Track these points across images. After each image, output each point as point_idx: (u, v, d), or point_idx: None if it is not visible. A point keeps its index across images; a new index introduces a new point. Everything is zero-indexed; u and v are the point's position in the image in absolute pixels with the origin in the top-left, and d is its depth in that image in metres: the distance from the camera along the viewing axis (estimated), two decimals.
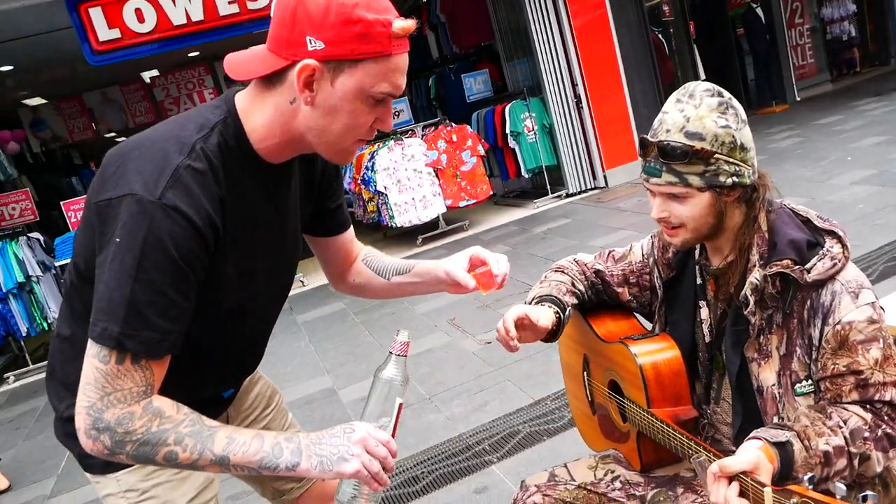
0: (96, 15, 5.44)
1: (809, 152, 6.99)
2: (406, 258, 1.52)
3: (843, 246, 1.23)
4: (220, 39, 6.12)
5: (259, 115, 1.10)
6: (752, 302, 1.25)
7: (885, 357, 1.17)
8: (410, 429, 3.26)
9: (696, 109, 1.22)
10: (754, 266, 1.26)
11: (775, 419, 1.25)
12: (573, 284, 1.59)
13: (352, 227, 1.52)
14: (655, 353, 1.43)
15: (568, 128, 7.64)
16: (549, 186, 7.76)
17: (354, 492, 1.13)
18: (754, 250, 1.28)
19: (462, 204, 7.17)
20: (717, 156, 1.21)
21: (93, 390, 1.01)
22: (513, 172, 7.85)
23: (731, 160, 1.23)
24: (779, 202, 1.32)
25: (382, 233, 8.07)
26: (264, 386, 1.57)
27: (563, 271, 1.63)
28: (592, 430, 1.71)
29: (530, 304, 1.54)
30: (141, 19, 5.54)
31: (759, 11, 10.53)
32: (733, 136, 1.22)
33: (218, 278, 1.11)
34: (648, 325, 1.61)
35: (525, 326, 1.43)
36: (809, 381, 1.23)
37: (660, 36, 8.40)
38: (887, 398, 1.16)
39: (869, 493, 0.89)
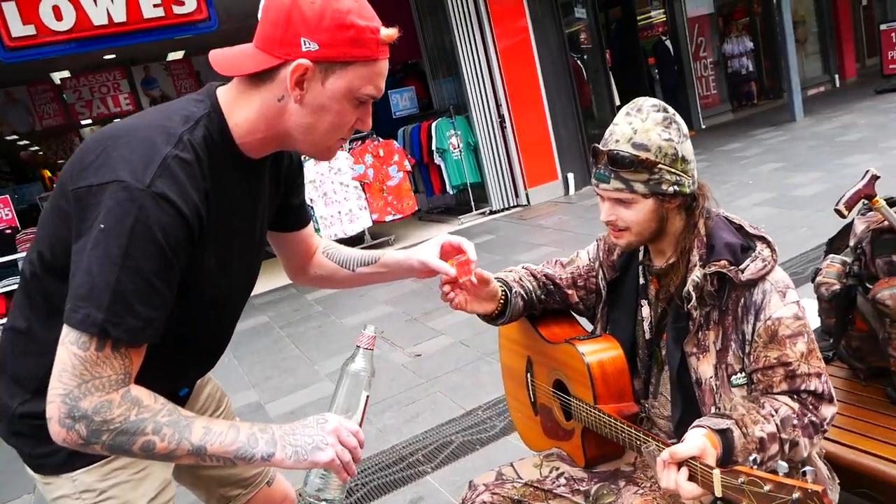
0: (9, 9, 5.15)
1: (714, 175, 7.48)
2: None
3: (772, 250, 1.38)
4: (141, 43, 5.94)
5: (244, 110, 1.13)
6: (693, 298, 1.36)
7: (809, 350, 1.31)
8: None
9: (643, 123, 1.34)
10: (695, 266, 1.38)
11: (713, 409, 1.36)
12: (521, 279, 1.68)
13: (312, 221, 1.57)
14: (601, 351, 1.54)
15: (492, 146, 7.85)
16: (473, 203, 7.93)
17: (321, 483, 1.16)
18: (694, 252, 1.39)
19: (388, 218, 7.21)
20: (660, 166, 1.33)
21: (70, 378, 0.99)
22: (438, 188, 7.97)
23: (672, 170, 1.35)
24: (715, 211, 1.46)
25: None
26: (213, 387, 1.57)
27: (509, 271, 1.71)
28: (534, 432, 1.80)
29: None
30: (59, 17, 5.29)
31: (668, 44, 11.22)
32: (675, 149, 1.34)
33: (198, 269, 1.12)
34: (590, 328, 1.72)
35: (467, 284, 1.47)
36: (743, 374, 1.36)
37: (578, 62, 8.78)
38: (812, 388, 1.30)
39: (807, 468, 1.00)
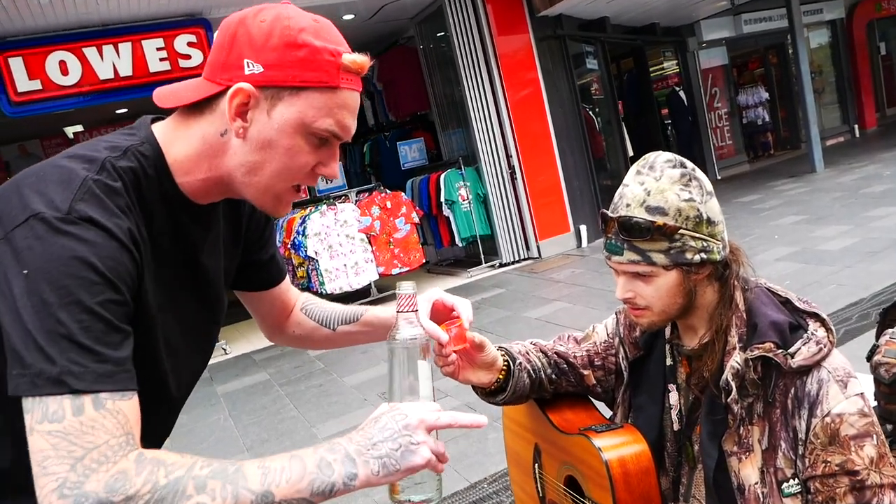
0: (16, 64, 5.16)
1: (734, 229, 7.21)
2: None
3: (828, 330, 1.14)
4: (149, 96, 5.91)
5: (183, 145, 0.95)
6: (734, 388, 1.13)
7: (881, 455, 1.07)
8: None
9: (657, 182, 1.14)
10: (734, 349, 1.16)
11: None
12: (528, 353, 1.44)
13: (287, 276, 1.35)
14: (622, 446, 1.28)
15: (502, 198, 7.70)
16: (482, 256, 7.74)
17: (411, 482, 0.94)
18: (733, 331, 1.17)
19: (395, 271, 7.02)
20: (681, 231, 1.12)
21: (56, 463, 0.75)
22: (447, 241, 7.80)
23: (697, 235, 1.14)
24: (754, 280, 1.23)
25: None
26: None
27: (514, 343, 1.47)
28: None
29: None
30: (65, 72, 5.30)
31: (682, 94, 11.17)
32: (698, 210, 1.14)
33: (142, 314, 0.91)
34: (608, 414, 1.48)
35: (458, 336, 1.21)
36: (797, 480, 1.11)
37: (590, 112, 8.70)
38: (886, 503, 1.05)
39: None
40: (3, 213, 0.83)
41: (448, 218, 7.52)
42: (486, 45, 7.40)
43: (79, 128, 9.40)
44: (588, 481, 1.32)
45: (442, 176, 7.44)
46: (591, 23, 8.60)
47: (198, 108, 0.94)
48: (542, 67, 7.66)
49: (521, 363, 1.38)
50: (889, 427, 1.67)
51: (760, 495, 1.13)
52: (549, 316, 5.46)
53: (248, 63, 0.89)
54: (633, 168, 1.19)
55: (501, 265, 7.68)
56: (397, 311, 1.01)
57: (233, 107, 0.90)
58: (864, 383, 1.64)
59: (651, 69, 11.37)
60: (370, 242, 6.84)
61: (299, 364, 5.59)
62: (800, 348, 1.11)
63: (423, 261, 7.33)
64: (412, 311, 1.00)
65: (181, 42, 5.70)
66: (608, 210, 1.18)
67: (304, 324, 1.35)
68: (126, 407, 0.80)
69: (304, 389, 4.92)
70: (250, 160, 0.93)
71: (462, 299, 1.21)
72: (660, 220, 1.12)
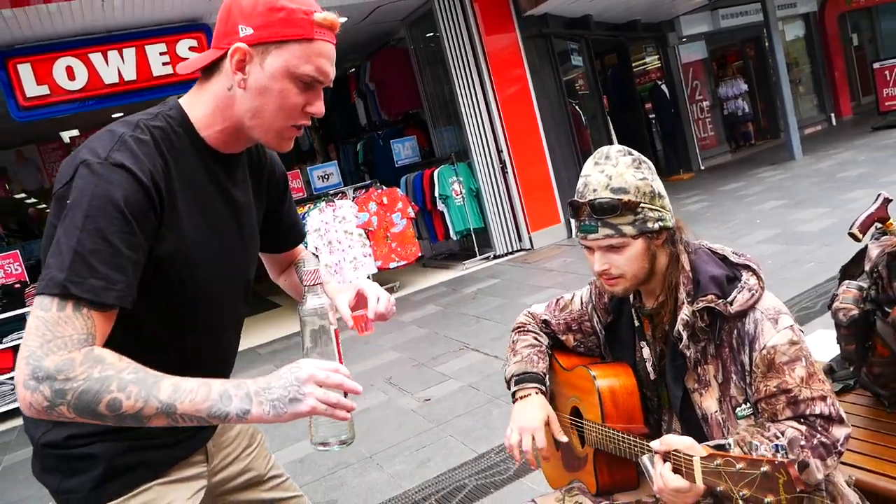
0: (25, 71, 5.31)
1: (717, 215, 7.53)
2: (338, 318, 1.52)
3: (758, 277, 1.38)
4: (151, 99, 6.08)
5: (201, 106, 1.20)
6: (685, 337, 1.37)
7: (809, 374, 1.30)
8: (353, 487, 3.21)
9: (615, 168, 1.37)
10: (683, 304, 1.39)
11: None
12: (538, 340, 1.72)
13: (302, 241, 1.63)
14: (612, 374, 1.54)
15: (494, 192, 7.93)
16: (476, 248, 7.96)
17: (324, 428, 1.13)
18: (681, 289, 1.40)
19: (392, 265, 7.23)
20: (642, 205, 1.36)
21: (33, 339, 0.98)
22: (441, 235, 8.01)
23: (653, 207, 1.37)
24: (696, 243, 1.47)
25: None
26: (245, 425, 1.53)
27: (525, 330, 1.75)
28: (556, 467, 1.78)
29: (509, 381, 1.67)
30: (71, 76, 5.45)
31: (664, 88, 11.44)
32: (651, 186, 1.38)
33: (164, 241, 1.13)
34: None
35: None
36: (748, 404, 1.35)
37: (577, 107, 8.95)
38: (818, 411, 1.28)
39: (778, 442, 1.03)
40: (63, 170, 1.11)
41: (442, 212, 7.73)
42: (474, 44, 7.63)
43: (75, 132, 9.49)
44: (585, 405, 1.57)
45: (435, 172, 7.65)
46: (575, 21, 8.84)
47: (209, 72, 1.19)
48: (530, 65, 7.90)
49: (546, 379, 1.66)
50: (850, 367, 1.92)
51: (721, 421, 1.36)
52: (543, 301, 5.66)
53: (241, 28, 1.12)
54: (591, 161, 1.43)
55: (495, 257, 7.91)
56: (304, 285, 1.17)
57: (233, 63, 1.13)
58: (831, 336, 1.89)
59: (633, 64, 11.64)
60: (368, 237, 7.04)
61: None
62: (736, 297, 1.34)
63: (419, 254, 7.53)
64: (316, 283, 1.18)
65: (183, 47, 5.87)
66: (576, 198, 1.41)
67: (291, 276, 1.60)
68: (98, 317, 1.03)
69: None
70: (254, 105, 1.16)
71: (378, 292, 1.41)
72: (625, 197, 1.35)
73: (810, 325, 3.70)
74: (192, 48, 5.90)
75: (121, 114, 8.97)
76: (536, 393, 1.62)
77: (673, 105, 11.61)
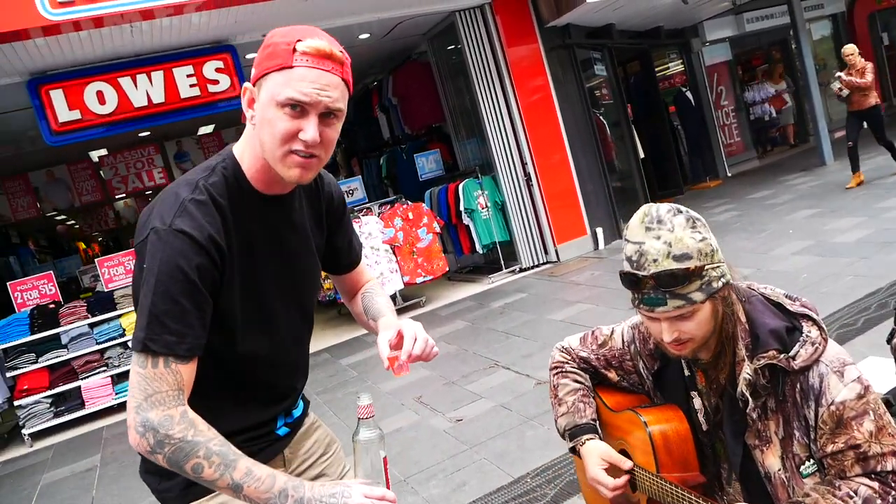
0: (57, 96, 5.42)
1: (747, 225, 7.39)
2: (367, 335, 1.64)
3: (820, 329, 1.33)
4: (180, 121, 6.16)
5: (246, 149, 1.31)
6: (749, 399, 1.32)
7: (879, 428, 1.24)
8: None
9: (672, 233, 1.31)
10: (742, 360, 1.34)
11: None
12: (579, 382, 1.69)
13: (361, 264, 1.69)
14: (664, 419, 1.50)
15: (519, 204, 7.89)
16: (502, 261, 7.92)
17: None
18: (740, 344, 1.35)
19: (419, 280, 7.22)
20: (706, 267, 1.30)
21: (137, 392, 1.17)
22: (467, 248, 7.99)
23: (715, 265, 1.32)
24: (745, 287, 1.41)
25: (337, 310, 8.01)
26: (322, 433, 1.63)
27: (564, 372, 1.72)
28: (603, 500, 1.74)
29: (563, 435, 1.66)
30: (102, 101, 5.54)
31: (689, 94, 11.31)
32: (711, 245, 1.33)
33: (228, 290, 1.26)
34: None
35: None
36: (812, 461, 1.30)
37: (601, 117, 8.88)
38: (889, 468, 1.23)
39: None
40: (141, 225, 1.26)
41: (468, 226, 7.70)
42: (497, 56, 7.61)
43: (103, 151, 9.66)
44: (636, 450, 1.53)
45: (460, 185, 7.63)
46: (597, 30, 8.78)
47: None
48: (553, 76, 7.86)
49: (596, 422, 1.65)
50: None
51: (785, 480, 1.31)
52: (573, 317, 5.61)
53: (252, 71, 1.25)
54: (638, 225, 1.35)
55: (521, 270, 7.86)
56: (358, 417, 1.28)
57: (244, 102, 1.27)
58: (885, 366, 1.83)
59: (657, 71, 11.53)
60: (394, 253, 7.04)
61: (333, 373, 5.75)
62: (798, 351, 1.29)
63: (447, 269, 7.51)
64: (369, 417, 1.27)
65: (209, 68, 5.94)
66: (632, 270, 1.33)
67: (357, 304, 1.65)
68: (182, 368, 1.19)
69: (341, 397, 5.08)
70: (260, 139, 1.25)
71: (416, 333, 1.39)
72: (691, 265, 1.29)
73: (852, 344, 3.60)
74: (218, 69, 5.96)
75: (147, 133, 9.15)
76: (589, 439, 1.60)
77: (698, 111, 11.47)
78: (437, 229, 7.36)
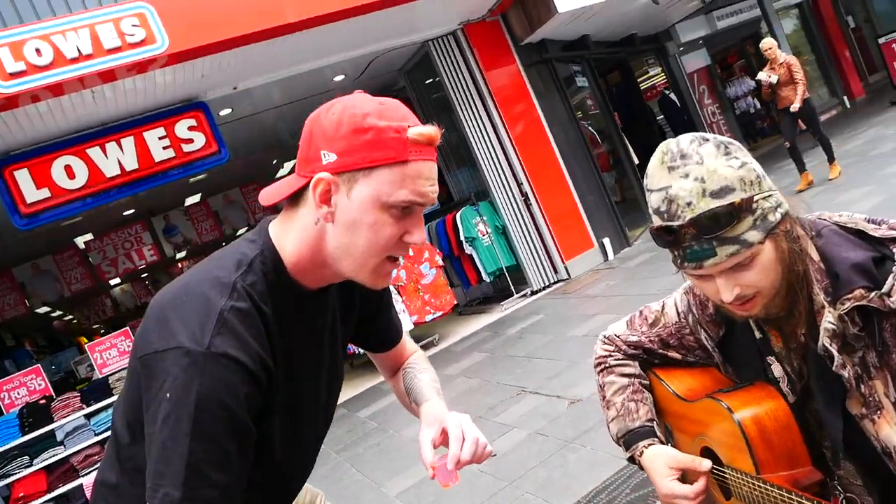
0: (22, 177, 5.15)
1: None
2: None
3: None
4: (155, 187, 5.92)
5: (290, 239, 1.07)
6: (835, 353, 1.01)
7: None
8: None
9: (702, 165, 1.03)
10: (822, 307, 1.04)
11: None
12: (627, 376, 1.39)
13: (403, 337, 1.47)
14: (754, 403, 1.15)
15: (521, 226, 7.61)
16: (512, 287, 7.60)
17: None
18: (816, 288, 1.05)
19: (428, 318, 6.88)
20: (755, 198, 1.02)
21: None
22: (474, 279, 7.68)
23: (766, 194, 1.04)
24: (813, 218, 1.11)
25: (349, 362, 7.63)
26: (303, 493, 1.47)
27: (608, 369, 1.42)
28: None
29: (618, 443, 1.37)
30: (71, 175, 5.28)
31: (673, 96, 11.20)
32: (755, 171, 1.04)
33: (269, 414, 1.06)
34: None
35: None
36: None
37: (590, 128, 8.69)
38: None
39: None
40: (150, 329, 0.99)
41: (471, 256, 7.41)
42: (476, 80, 7.45)
43: (88, 236, 9.43)
44: (724, 447, 1.19)
45: (457, 215, 7.38)
46: (573, 42, 8.67)
47: (294, 201, 1.06)
48: (535, 92, 7.69)
49: (656, 425, 1.36)
50: None
51: None
52: (595, 330, 5.29)
53: (324, 154, 0.99)
54: (659, 167, 1.07)
55: (533, 293, 7.53)
56: None
57: (317, 195, 1.00)
58: None
59: (638, 78, 11.46)
60: (399, 293, 6.72)
61: (351, 428, 5.39)
62: (893, 284, 0.98)
63: (454, 303, 7.18)
64: None
65: (182, 127, 5.72)
66: (664, 223, 1.05)
67: (399, 384, 1.44)
68: None
69: (362, 451, 4.73)
70: (343, 242, 1.02)
71: (463, 431, 1.17)
72: (733, 198, 1.01)
73: None
74: (191, 128, 5.75)
75: (132, 210, 8.94)
76: (648, 446, 1.30)
77: (684, 111, 11.34)
78: (440, 262, 7.06)
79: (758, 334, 1.18)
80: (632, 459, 1.34)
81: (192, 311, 0.98)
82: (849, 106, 13.62)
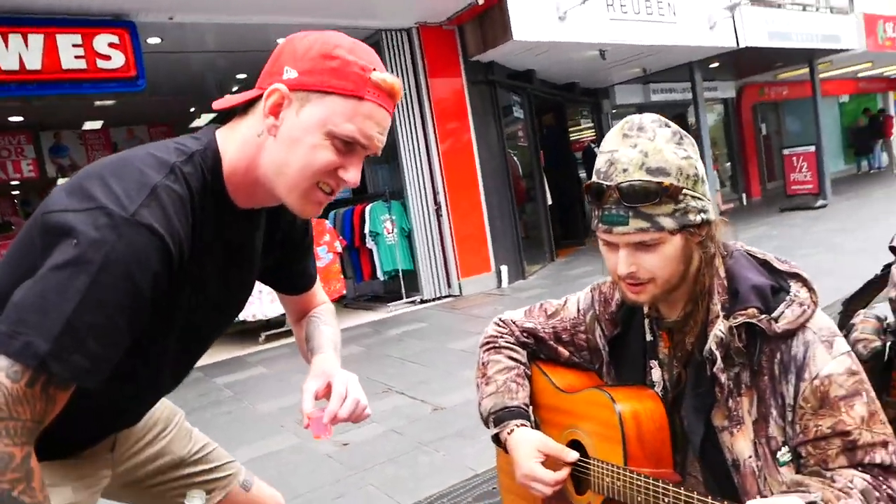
0: None
1: None
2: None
3: (810, 290, 1.10)
4: (54, 97, 5.48)
5: (231, 147, 1.06)
6: (718, 357, 1.07)
7: (871, 413, 1.03)
8: None
9: (652, 142, 1.08)
10: (717, 317, 1.10)
11: (758, 498, 1.04)
12: (514, 360, 1.39)
13: (316, 286, 1.46)
14: (636, 400, 1.19)
15: (427, 234, 7.62)
16: (403, 291, 7.58)
17: None
18: (715, 299, 1.12)
19: None
20: (685, 191, 1.07)
21: None
22: (367, 274, 7.59)
23: (696, 194, 1.09)
24: (732, 244, 1.19)
25: None
26: (161, 409, 1.42)
27: (497, 348, 1.42)
28: None
29: (487, 421, 1.36)
30: None
31: (597, 150, 11.63)
32: (696, 168, 1.10)
33: (167, 304, 1.00)
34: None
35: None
36: (786, 447, 1.06)
37: (515, 158, 8.88)
38: (878, 460, 1.00)
39: None
40: (70, 191, 0.92)
41: (371, 251, 7.34)
42: (419, 84, 7.44)
43: None
44: (596, 438, 1.21)
45: (367, 208, 7.30)
46: (519, 73, 8.87)
47: (244, 111, 1.06)
48: (473, 110, 7.78)
49: (530, 411, 1.37)
50: None
51: (757, 469, 1.07)
52: (472, 347, 5.31)
53: (286, 69, 1.00)
54: (616, 132, 1.13)
55: (422, 301, 7.53)
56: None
57: (267, 105, 1.00)
58: None
59: (570, 126, 11.87)
60: None
61: (204, 392, 5.16)
62: (783, 312, 1.07)
63: (343, 293, 7.07)
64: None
65: (101, 42, 5.30)
66: (598, 180, 1.10)
67: (300, 331, 1.42)
68: (62, 397, 0.91)
69: (210, 417, 4.53)
70: (280, 158, 1.01)
71: (347, 389, 1.15)
72: (665, 180, 1.06)
73: None
74: (112, 44, 5.36)
75: (20, 118, 8.23)
76: (520, 426, 1.30)
77: None
78: (339, 249, 6.94)
79: (649, 337, 1.23)
80: (496, 438, 1.34)
81: (122, 180, 0.93)
82: (745, 203, 14.72)
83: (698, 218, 1.09)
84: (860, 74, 17.44)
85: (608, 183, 1.08)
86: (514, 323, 1.44)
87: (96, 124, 9.48)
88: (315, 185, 1.03)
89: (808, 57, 11.93)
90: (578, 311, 1.39)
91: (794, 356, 1.05)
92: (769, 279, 1.12)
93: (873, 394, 1.05)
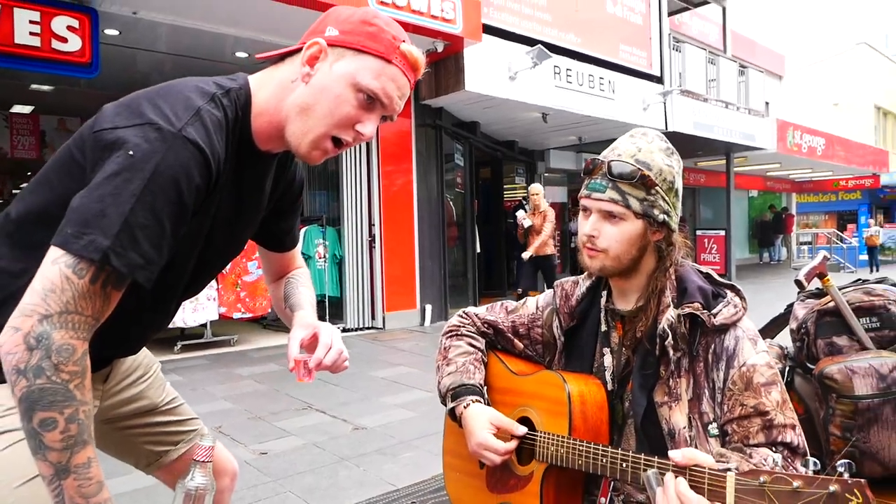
0: None
1: None
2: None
3: (742, 298, 1.34)
4: (5, 69, 5.31)
5: (265, 90, 1.15)
6: (670, 335, 1.28)
7: (783, 400, 1.24)
8: None
9: (648, 144, 1.34)
10: (667, 307, 1.32)
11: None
12: (473, 346, 1.56)
13: (297, 246, 1.56)
14: (582, 383, 1.38)
15: (358, 265, 7.69)
16: (327, 317, 7.56)
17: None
18: (667, 293, 1.33)
19: (236, 315, 6.62)
20: (657, 188, 1.30)
21: (56, 302, 0.93)
22: None
23: (666, 198, 1.32)
24: (685, 261, 1.42)
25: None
26: (143, 354, 1.49)
27: (458, 335, 1.59)
28: (475, 490, 1.52)
29: (445, 396, 1.51)
30: None
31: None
32: (674, 178, 1.33)
33: (196, 230, 1.10)
34: None
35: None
36: (716, 424, 1.26)
37: (451, 203, 9.14)
38: (788, 439, 1.21)
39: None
40: (118, 112, 1.01)
41: None
42: None
43: None
44: (545, 413, 1.38)
45: (303, 230, 7.31)
46: (464, 124, 9.23)
47: (282, 60, 1.17)
48: (417, 151, 8.03)
49: (485, 391, 1.51)
50: None
51: (689, 438, 1.26)
52: (394, 376, 5.42)
53: (329, 29, 1.13)
54: (627, 136, 1.38)
55: (345, 330, 7.54)
56: (194, 459, 1.09)
57: (305, 56, 1.12)
58: None
59: (504, 182, 12.30)
60: (217, 280, 6.43)
61: None
62: (721, 310, 1.30)
63: (269, 310, 6.99)
64: (208, 461, 1.10)
65: (60, 23, 5.23)
66: (597, 158, 1.35)
67: (278, 289, 1.50)
68: (115, 298, 0.99)
69: None
70: (305, 101, 1.12)
71: (332, 341, 1.26)
72: (645, 170, 1.29)
73: None
74: (70, 28, 5.28)
75: None
76: (475, 402, 1.45)
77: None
78: None
79: (604, 327, 1.42)
80: (452, 413, 1.47)
81: (169, 102, 1.02)
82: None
83: (661, 217, 1.30)
84: (769, 173, 19.03)
85: (602, 159, 1.32)
86: (476, 315, 1.60)
87: (26, 109, 9.11)
88: (328, 135, 1.13)
89: (727, 149, 12.98)
90: (537, 308, 1.56)
91: (726, 347, 1.26)
92: (711, 286, 1.35)
93: (784, 387, 1.27)
